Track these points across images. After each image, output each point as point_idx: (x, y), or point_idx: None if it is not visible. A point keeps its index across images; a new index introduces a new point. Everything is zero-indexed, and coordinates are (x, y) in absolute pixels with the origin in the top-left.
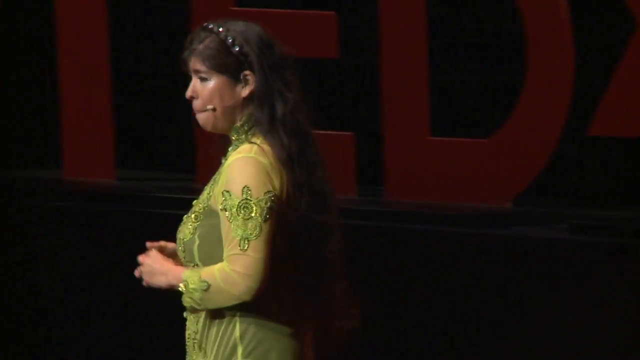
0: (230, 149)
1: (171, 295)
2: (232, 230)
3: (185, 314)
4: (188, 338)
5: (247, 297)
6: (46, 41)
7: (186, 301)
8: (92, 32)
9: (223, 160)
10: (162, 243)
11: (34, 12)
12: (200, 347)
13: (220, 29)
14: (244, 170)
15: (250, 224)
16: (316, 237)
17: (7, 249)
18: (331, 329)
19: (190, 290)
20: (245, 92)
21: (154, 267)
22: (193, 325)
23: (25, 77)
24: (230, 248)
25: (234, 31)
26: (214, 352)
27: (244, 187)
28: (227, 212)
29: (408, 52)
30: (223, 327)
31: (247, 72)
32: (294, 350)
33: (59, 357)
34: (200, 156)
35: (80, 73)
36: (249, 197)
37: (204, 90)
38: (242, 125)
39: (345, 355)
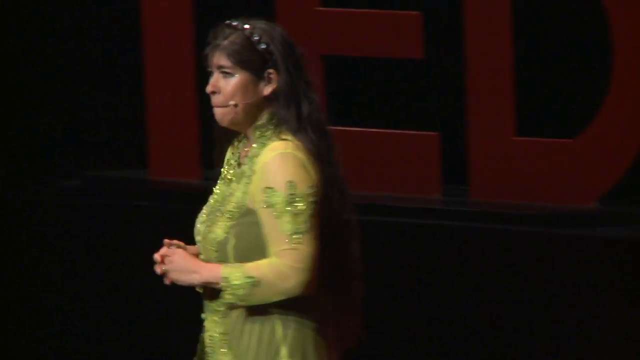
0: (252, 147)
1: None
2: (279, 226)
3: (203, 316)
4: (211, 339)
5: (297, 291)
6: (132, 43)
7: (227, 298)
8: (178, 33)
9: (233, 159)
10: (176, 241)
11: (119, 14)
12: (230, 347)
13: (246, 26)
14: (284, 165)
15: (298, 219)
16: (345, 236)
17: (94, 248)
18: (351, 326)
19: (234, 286)
20: (267, 90)
21: (185, 264)
22: (219, 326)
23: (111, 78)
24: (279, 244)
25: (259, 29)
26: (252, 352)
27: (288, 182)
28: (271, 209)
29: (493, 52)
30: (260, 326)
31: (270, 70)
32: (324, 347)
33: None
34: None
35: (166, 74)
36: (294, 192)
37: (227, 85)
38: (266, 123)
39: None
